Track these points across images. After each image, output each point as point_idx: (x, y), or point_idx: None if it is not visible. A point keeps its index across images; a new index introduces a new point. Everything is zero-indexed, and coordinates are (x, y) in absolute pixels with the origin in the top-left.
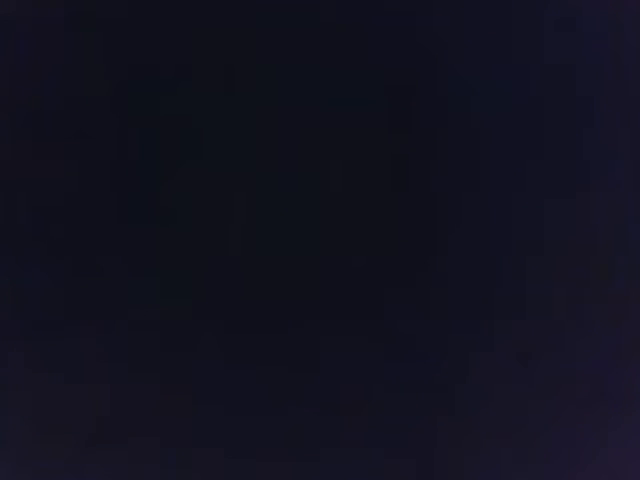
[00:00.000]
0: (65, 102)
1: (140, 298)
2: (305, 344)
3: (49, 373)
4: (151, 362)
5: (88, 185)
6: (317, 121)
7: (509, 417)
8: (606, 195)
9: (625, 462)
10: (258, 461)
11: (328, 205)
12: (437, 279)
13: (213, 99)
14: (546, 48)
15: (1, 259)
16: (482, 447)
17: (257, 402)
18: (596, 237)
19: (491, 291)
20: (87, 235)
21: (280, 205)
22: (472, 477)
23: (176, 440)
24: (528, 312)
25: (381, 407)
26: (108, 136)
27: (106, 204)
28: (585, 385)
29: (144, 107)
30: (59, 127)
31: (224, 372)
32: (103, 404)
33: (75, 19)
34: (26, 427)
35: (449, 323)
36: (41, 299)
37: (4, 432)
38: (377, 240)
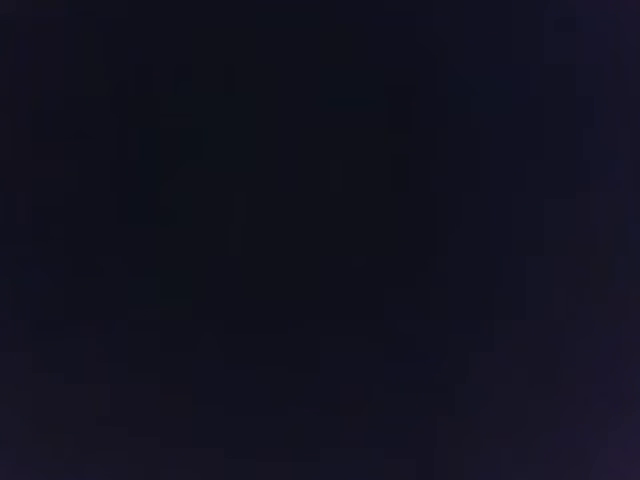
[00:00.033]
0: (65, 102)
1: (140, 298)
2: (305, 344)
3: (49, 373)
4: (151, 362)
5: (88, 185)
6: (317, 121)
7: (509, 417)
8: (606, 195)
9: (625, 462)
10: (258, 461)
11: (328, 205)
12: (437, 279)
13: (213, 99)
14: (546, 48)
15: (1, 259)
16: (482, 447)
17: (257, 402)
18: (596, 237)
19: (491, 291)
20: (87, 235)
21: (280, 205)
22: (472, 477)
23: (176, 440)
24: (528, 312)
25: (381, 407)
26: (108, 136)
27: (106, 204)
28: (585, 385)
29: (144, 107)
30: (59, 127)
31: (224, 372)
32: (103, 404)
33: (75, 19)
34: (26, 427)
35: (449, 323)
36: (41, 299)
37: (4, 432)
38: (377, 240)
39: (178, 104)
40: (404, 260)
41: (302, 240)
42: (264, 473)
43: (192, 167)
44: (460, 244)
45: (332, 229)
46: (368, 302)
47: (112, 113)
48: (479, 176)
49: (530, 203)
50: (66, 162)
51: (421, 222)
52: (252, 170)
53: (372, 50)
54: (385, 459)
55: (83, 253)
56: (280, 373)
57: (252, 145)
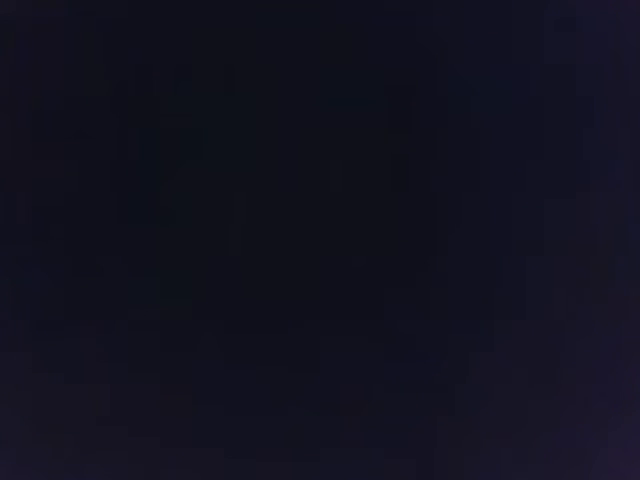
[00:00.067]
0: (65, 102)
1: (140, 298)
2: (305, 344)
3: (49, 373)
4: (151, 362)
5: (88, 185)
6: (317, 121)
7: (509, 417)
8: (606, 195)
9: (625, 462)
10: (258, 461)
11: (328, 205)
12: (437, 279)
13: (213, 99)
14: (546, 48)
15: (1, 259)
16: (482, 447)
17: (257, 402)
18: (596, 237)
19: (491, 291)
20: (87, 235)
21: (280, 205)
22: (472, 477)
23: (176, 440)
24: (528, 312)
25: (381, 407)
26: (108, 136)
27: (106, 204)
28: (585, 385)
29: (144, 107)
30: (59, 127)
31: (224, 372)
32: (103, 404)
33: (75, 19)
34: (26, 427)
35: (449, 323)
36: (41, 299)
37: (4, 432)
38: (377, 240)
39: (178, 104)
40: (404, 260)
41: (302, 240)
42: (264, 473)
43: (192, 167)
44: (460, 244)
45: (332, 229)
46: (368, 302)
47: (112, 113)
48: (479, 176)
49: (530, 203)
50: (66, 162)
51: (421, 222)
52: (252, 170)
53: (372, 50)
54: (385, 459)
55: (83, 253)
56: (280, 373)
57: (252, 145)
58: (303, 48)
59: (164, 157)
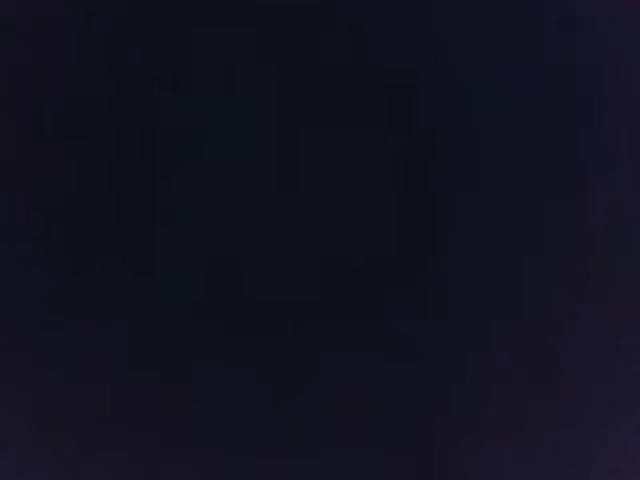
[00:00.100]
0: (65, 102)
1: (140, 298)
2: (305, 344)
3: (49, 373)
4: (151, 362)
5: (88, 185)
6: (317, 121)
7: (509, 417)
8: (606, 195)
9: (625, 462)
10: (258, 461)
11: (328, 205)
12: (437, 279)
13: (213, 99)
14: (546, 48)
15: (1, 259)
16: (482, 447)
17: (257, 402)
18: (596, 237)
19: (491, 291)
20: (87, 235)
21: (280, 205)
22: (472, 477)
23: (176, 440)
24: (528, 312)
25: (381, 407)
26: (108, 136)
27: (106, 204)
28: (585, 385)
29: (144, 107)
30: (59, 127)
31: (224, 372)
32: (103, 404)
33: (75, 19)
34: (26, 427)
35: (449, 323)
36: (41, 299)
37: (4, 432)
38: (377, 240)
39: (178, 104)
40: (404, 260)
41: (302, 240)
42: (264, 473)
43: (192, 167)
44: (460, 244)
45: (332, 229)
46: (368, 302)
47: (112, 113)
48: (479, 176)
49: (530, 203)
50: (66, 162)
51: (421, 222)
52: (252, 170)
53: (372, 50)
54: (385, 459)
55: (83, 253)
56: (280, 373)
57: (252, 145)
58: (303, 48)
59: (164, 157)
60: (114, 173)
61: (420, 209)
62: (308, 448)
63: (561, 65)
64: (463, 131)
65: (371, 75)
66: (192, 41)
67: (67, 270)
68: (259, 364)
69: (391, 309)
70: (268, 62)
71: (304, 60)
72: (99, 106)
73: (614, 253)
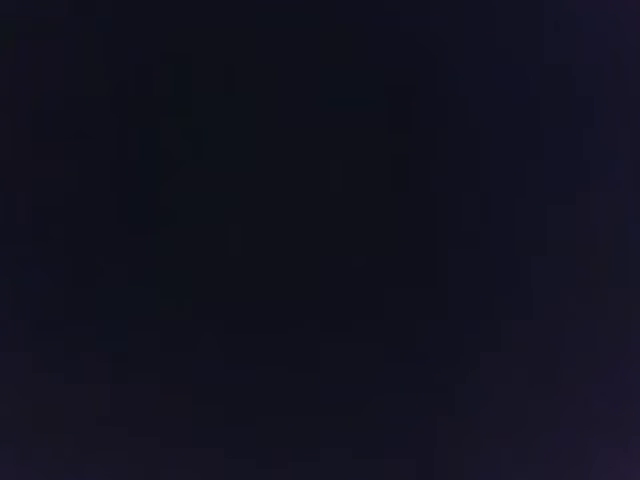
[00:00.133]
0: (65, 102)
1: (140, 298)
2: (305, 344)
3: (49, 373)
4: (151, 362)
5: (88, 185)
6: (317, 121)
7: (509, 417)
8: (606, 195)
9: (625, 462)
10: (258, 461)
11: (328, 205)
12: (437, 279)
13: (213, 99)
14: (546, 48)
15: (1, 259)
16: (482, 447)
17: (257, 402)
18: (596, 237)
19: (491, 291)
20: (87, 235)
21: (280, 205)
22: (472, 477)
23: (176, 440)
24: (528, 312)
25: (381, 407)
26: (108, 136)
27: (106, 204)
28: (585, 385)
29: (144, 107)
30: (59, 127)
31: (224, 372)
32: (103, 404)
33: (75, 19)
34: (26, 427)
35: (449, 323)
36: (41, 299)
37: (4, 432)
38: (377, 240)
39: (178, 104)
40: (404, 260)
41: (302, 240)
42: (264, 473)
43: (192, 167)
44: (460, 244)
45: (332, 229)
46: (368, 302)
47: (112, 113)
48: (479, 176)
49: (530, 203)
50: (66, 162)
51: (421, 222)
52: (252, 170)
53: (372, 50)
54: (385, 459)
55: (83, 253)
56: (280, 373)
57: (252, 145)
58: (303, 48)
59: (164, 157)
60: (114, 173)
61: (420, 209)
62: (308, 448)
63: (561, 65)
64: (463, 131)
65: (371, 75)
66: (192, 41)
67: (67, 270)
68: (259, 364)
69: (391, 309)
70: (268, 62)
71: (304, 60)
72: (99, 106)
73: (614, 253)
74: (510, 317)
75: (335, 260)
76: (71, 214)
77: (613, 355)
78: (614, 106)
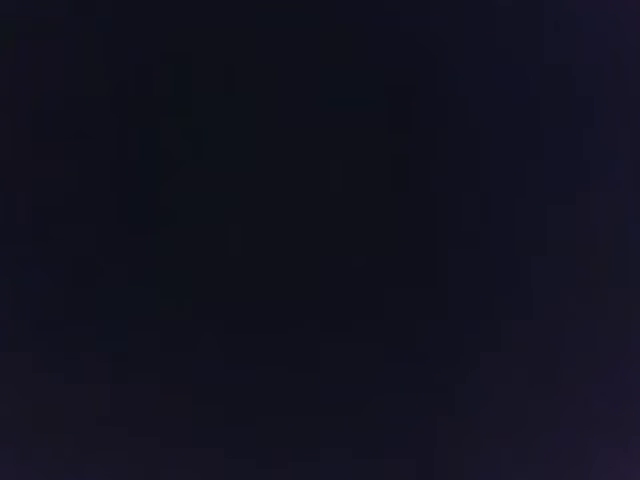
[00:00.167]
0: (65, 102)
1: (140, 298)
2: (305, 344)
3: (49, 373)
4: (151, 362)
5: (88, 185)
6: (317, 121)
7: (509, 417)
8: (606, 195)
9: (625, 462)
10: (258, 461)
11: (328, 205)
12: (437, 279)
13: (213, 99)
14: (546, 48)
15: (1, 259)
16: (482, 447)
17: (257, 402)
18: (596, 237)
19: (491, 291)
20: (87, 235)
21: (280, 205)
22: (472, 477)
23: (176, 440)
24: (528, 312)
25: (381, 407)
26: (108, 136)
27: (106, 204)
28: (585, 385)
29: (144, 107)
30: (59, 127)
31: (224, 372)
32: (103, 404)
33: (75, 19)
34: (26, 427)
35: (449, 323)
36: (41, 299)
37: (4, 432)
38: (377, 240)
39: (178, 104)
40: (404, 260)
41: (302, 240)
42: (264, 473)
43: (192, 167)
44: (460, 244)
45: (332, 229)
46: (368, 302)
47: (112, 113)
48: (479, 176)
49: (530, 203)
50: (66, 162)
51: (421, 222)
52: (252, 170)
53: (372, 50)
54: (385, 459)
55: (83, 253)
56: (280, 373)
57: (252, 145)
58: (303, 48)
59: (164, 157)
60: (114, 173)
61: (420, 209)
62: (308, 448)
63: (561, 65)
64: (463, 131)
65: (371, 75)
66: (192, 41)
67: (67, 270)
68: (259, 364)
69: (391, 309)
70: (268, 62)
71: (304, 60)
72: (99, 106)
73: (614, 253)
74: (510, 317)
75: (335, 260)
76: (71, 214)
77: (613, 355)
78: (614, 106)
